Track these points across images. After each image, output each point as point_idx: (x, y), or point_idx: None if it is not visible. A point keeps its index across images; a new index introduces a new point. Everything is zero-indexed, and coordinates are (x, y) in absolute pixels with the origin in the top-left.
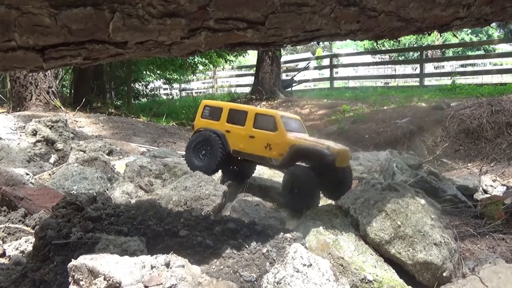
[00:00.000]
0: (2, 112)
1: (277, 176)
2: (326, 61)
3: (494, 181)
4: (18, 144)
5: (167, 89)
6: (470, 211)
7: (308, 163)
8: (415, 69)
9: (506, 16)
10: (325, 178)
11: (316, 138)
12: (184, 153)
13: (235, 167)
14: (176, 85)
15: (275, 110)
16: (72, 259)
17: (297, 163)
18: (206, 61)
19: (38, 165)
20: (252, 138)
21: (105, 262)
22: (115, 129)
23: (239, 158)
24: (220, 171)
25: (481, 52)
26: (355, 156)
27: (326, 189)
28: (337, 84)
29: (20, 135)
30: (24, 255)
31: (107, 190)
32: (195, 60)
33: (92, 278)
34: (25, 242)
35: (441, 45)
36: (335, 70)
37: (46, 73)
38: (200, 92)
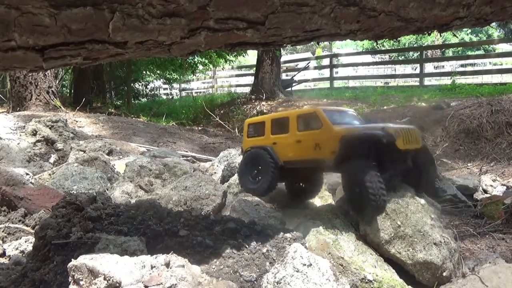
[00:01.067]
0: (2, 112)
1: None
2: (326, 61)
3: (494, 181)
4: (18, 144)
5: (167, 89)
6: (470, 211)
7: (366, 154)
8: (415, 69)
9: (506, 16)
10: (392, 166)
11: (382, 123)
12: (184, 152)
13: (300, 183)
14: (176, 85)
15: (316, 106)
16: (72, 259)
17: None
18: (206, 61)
19: (38, 165)
20: (299, 142)
21: (105, 262)
22: (115, 129)
23: (292, 169)
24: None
25: (481, 52)
26: None
27: (407, 182)
28: (337, 84)
29: (20, 135)
30: (24, 255)
31: (107, 190)
32: (195, 60)
33: (92, 278)
34: (25, 242)
35: (441, 45)
36: (335, 70)
37: (46, 73)
38: (200, 92)
